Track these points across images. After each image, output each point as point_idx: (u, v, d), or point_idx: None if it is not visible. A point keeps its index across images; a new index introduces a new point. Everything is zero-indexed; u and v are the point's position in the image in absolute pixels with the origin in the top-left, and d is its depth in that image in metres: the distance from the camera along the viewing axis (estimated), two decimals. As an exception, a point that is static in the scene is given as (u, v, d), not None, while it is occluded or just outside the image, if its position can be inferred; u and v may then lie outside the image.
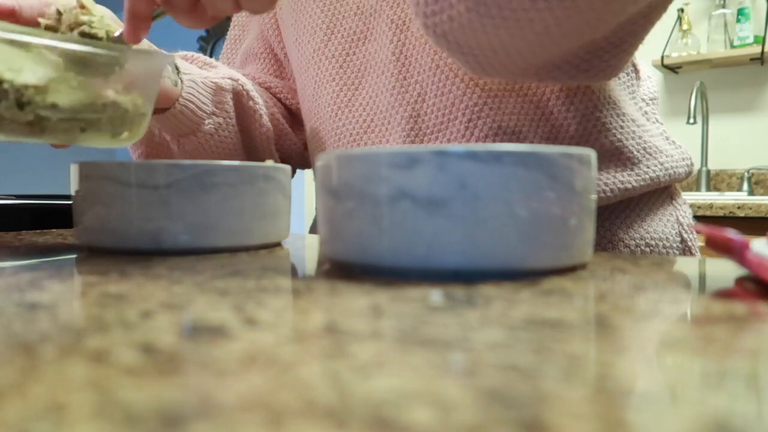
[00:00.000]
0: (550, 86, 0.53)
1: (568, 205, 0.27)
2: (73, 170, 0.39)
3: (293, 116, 0.72)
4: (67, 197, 0.66)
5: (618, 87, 0.57)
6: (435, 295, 0.23)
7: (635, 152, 0.55)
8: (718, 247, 0.27)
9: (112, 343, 0.16)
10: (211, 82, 0.60)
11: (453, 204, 0.26)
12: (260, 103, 0.65)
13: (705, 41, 2.06)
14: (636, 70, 0.61)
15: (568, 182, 0.27)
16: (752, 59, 1.94)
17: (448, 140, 0.54)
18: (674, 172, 0.57)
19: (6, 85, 0.36)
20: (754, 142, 2.00)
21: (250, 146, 0.66)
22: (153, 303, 0.22)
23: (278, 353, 0.15)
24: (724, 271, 0.29)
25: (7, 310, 0.20)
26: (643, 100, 0.59)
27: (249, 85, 0.64)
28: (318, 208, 0.31)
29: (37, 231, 0.57)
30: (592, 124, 0.54)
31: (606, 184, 0.53)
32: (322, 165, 0.30)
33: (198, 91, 0.58)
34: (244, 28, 0.75)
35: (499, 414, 0.11)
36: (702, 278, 0.27)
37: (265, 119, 0.66)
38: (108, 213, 0.37)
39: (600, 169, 0.54)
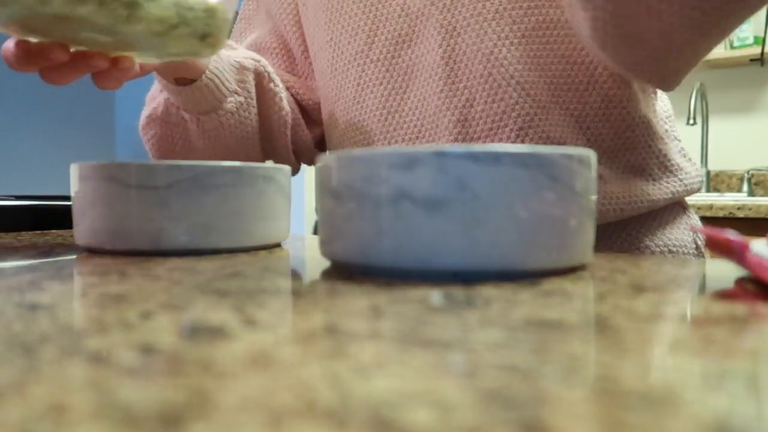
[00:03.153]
0: (591, 102, 0.54)
1: (568, 206, 0.27)
2: (73, 171, 0.39)
3: (305, 113, 0.71)
4: (67, 198, 0.66)
5: (648, 106, 0.58)
6: (435, 296, 0.23)
7: (657, 170, 0.58)
8: (718, 248, 0.27)
9: (112, 344, 0.16)
10: (235, 60, 0.59)
11: (453, 205, 0.26)
12: (280, 86, 0.64)
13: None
14: (653, 90, 0.62)
15: (568, 183, 0.27)
16: (752, 60, 1.94)
17: None
18: (690, 188, 0.60)
19: None
20: (754, 143, 2.00)
21: (266, 131, 0.65)
22: (153, 304, 0.22)
23: (278, 354, 0.15)
24: (724, 271, 0.29)
25: (8, 311, 0.20)
26: (662, 118, 0.61)
27: (270, 68, 0.63)
28: (318, 209, 0.31)
29: (37, 232, 0.57)
30: (622, 142, 0.56)
31: (636, 195, 0.56)
32: (322, 166, 0.30)
33: (223, 67, 0.57)
34: (250, 21, 0.73)
35: (499, 415, 0.11)
36: (702, 279, 0.27)
37: (285, 103, 0.64)
38: (108, 214, 0.37)
39: (627, 182, 0.56)
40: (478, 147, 0.26)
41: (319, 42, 0.65)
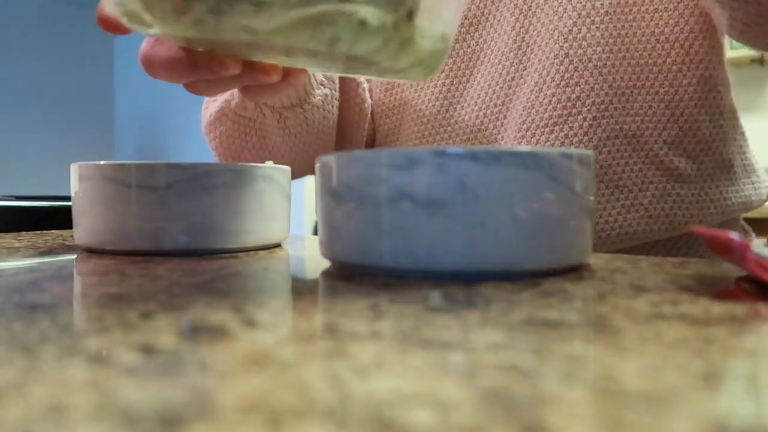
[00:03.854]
0: (685, 84, 0.50)
1: (568, 206, 0.27)
2: (73, 171, 0.39)
3: None
4: (67, 198, 0.66)
5: (732, 93, 0.54)
6: (435, 296, 0.23)
7: (739, 169, 0.54)
8: (718, 248, 0.27)
9: (112, 344, 0.16)
10: None
11: (453, 205, 0.26)
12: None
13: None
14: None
15: (567, 183, 0.27)
16: (752, 60, 1.95)
17: (566, 136, 0.50)
18: (759, 194, 0.56)
19: None
20: (755, 143, 1.99)
21: (344, 124, 0.60)
22: (153, 304, 0.22)
23: (278, 354, 0.15)
24: (724, 271, 0.29)
25: (8, 311, 0.20)
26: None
27: None
28: (318, 209, 0.31)
29: (37, 232, 0.57)
30: (716, 131, 0.52)
31: (711, 199, 0.52)
32: (322, 166, 0.30)
33: None
34: None
35: (499, 415, 0.11)
36: (702, 279, 0.27)
37: (366, 94, 0.59)
38: (108, 214, 0.37)
39: (708, 182, 0.52)
40: (479, 147, 0.26)
41: None
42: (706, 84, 0.51)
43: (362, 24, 0.26)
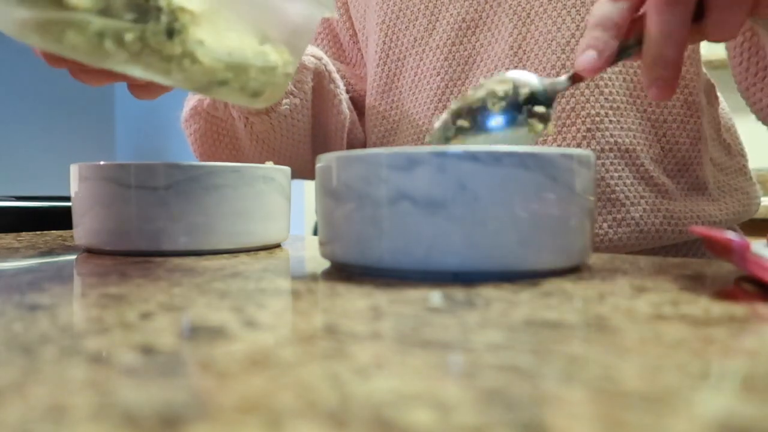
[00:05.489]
0: (670, 106, 0.52)
1: (568, 207, 0.27)
2: (73, 171, 0.39)
3: (356, 106, 0.65)
4: (67, 198, 0.66)
5: (708, 122, 0.55)
6: (435, 296, 0.23)
7: (714, 192, 0.55)
8: (717, 248, 0.27)
9: (112, 344, 0.16)
10: None
11: (453, 205, 0.26)
12: (341, 87, 0.59)
13: (705, 42, 2.06)
14: (715, 96, 0.58)
15: (567, 183, 0.27)
16: (752, 60, 1.94)
17: (559, 147, 0.49)
18: (749, 209, 0.58)
19: (162, 2, 0.28)
20: (755, 143, 1.99)
21: (322, 133, 0.60)
22: (153, 304, 0.22)
23: (278, 354, 0.15)
24: (724, 272, 0.29)
25: (8, 312, 0.20)
26: (726, 129, 0.58)
27: (332, 66, 0.58)
28: (318, 210, 0.31)
29: (37, 232, 0.57)
30: (694, 155, 0.53)
31: (698, 216, 0.53)
32: (322, 166, 0.30)
33: None
34: None
35: (499, 415, 0.11)
36: (702, 279, 0.27)
37: (344, 106, 0.59)
38: (107, 214, 0.37)
39: (691, 200, 0.53)
40: (478, 147, 0.26)
41: (370, 25, 0.60)
42: (689, 108, 0.52)
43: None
